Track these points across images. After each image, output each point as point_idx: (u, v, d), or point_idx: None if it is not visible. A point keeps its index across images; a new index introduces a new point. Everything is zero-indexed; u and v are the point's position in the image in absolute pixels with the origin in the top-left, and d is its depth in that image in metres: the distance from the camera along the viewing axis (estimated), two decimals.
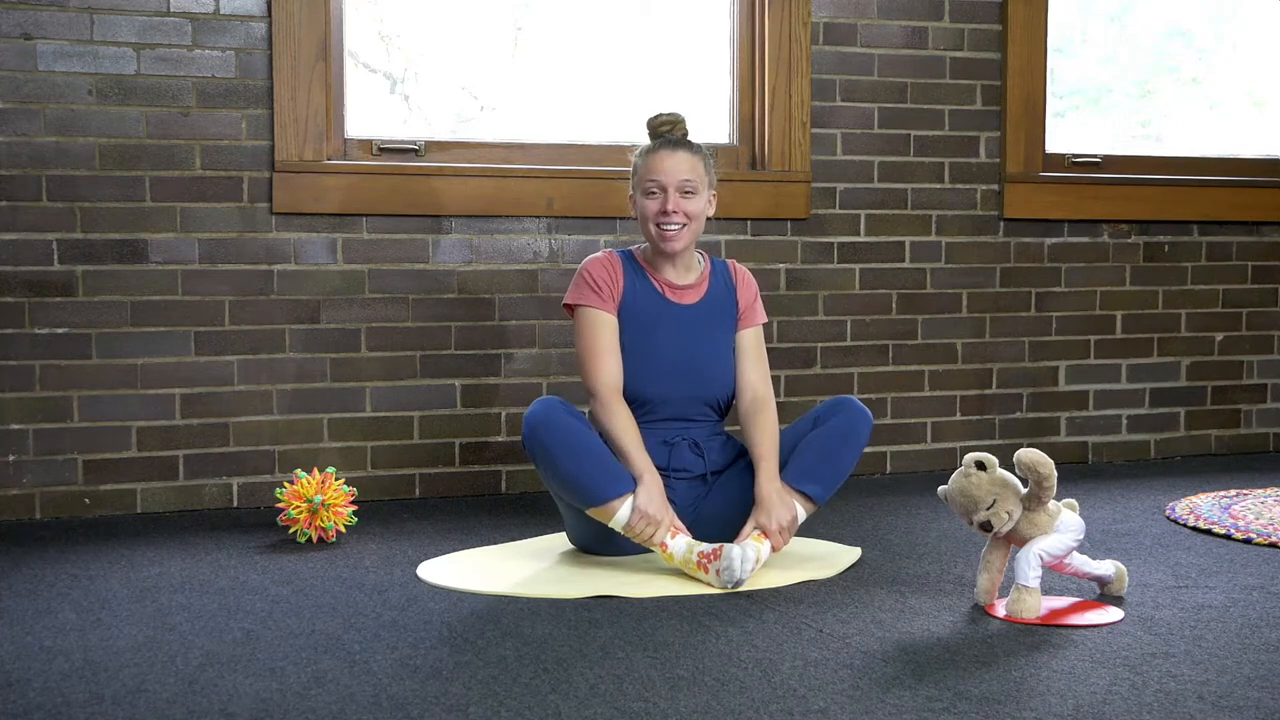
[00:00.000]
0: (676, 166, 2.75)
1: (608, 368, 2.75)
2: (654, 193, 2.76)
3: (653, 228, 2.78)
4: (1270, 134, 4.37)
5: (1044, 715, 1.84)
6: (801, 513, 2.72)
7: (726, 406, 2.87)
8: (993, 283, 3.92)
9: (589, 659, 2.10)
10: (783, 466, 2.75)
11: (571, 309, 2.82)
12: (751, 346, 2.88)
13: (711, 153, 2.88)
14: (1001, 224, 3.92)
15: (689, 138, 2.84)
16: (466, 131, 3.67)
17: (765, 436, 2.76)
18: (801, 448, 2.75)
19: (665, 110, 2.84)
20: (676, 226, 2.76)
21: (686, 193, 2.76)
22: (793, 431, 2.83)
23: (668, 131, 2.81)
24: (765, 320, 2.93)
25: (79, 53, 3.21)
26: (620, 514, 2.62)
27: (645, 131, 2.85)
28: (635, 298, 2.80)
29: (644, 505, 2.60)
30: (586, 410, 3.40)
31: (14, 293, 3.20)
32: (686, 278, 2.86)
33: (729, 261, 2.96)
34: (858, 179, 3.79)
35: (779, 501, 2.67)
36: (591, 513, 2.65)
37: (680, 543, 2.62)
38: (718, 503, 2.78)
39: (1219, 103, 4.40)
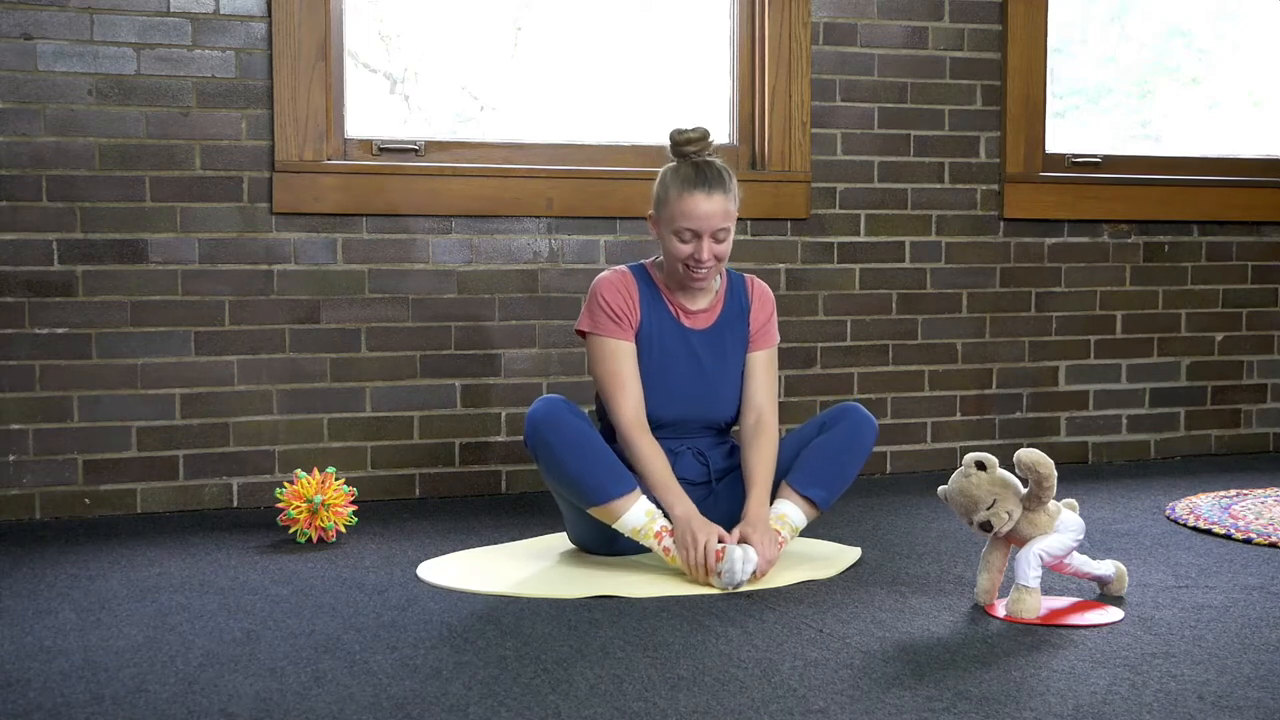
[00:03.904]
0: (712, 212, 2.64)
1: (631, 400, 2.70)
2: (686, 238, 2.67)
3: (680, 267, 2.70)
4: (1270, 134, 4.37)
5: (1044, 715, 1.84)
6: (804, 518, 2.72)
7: (732, 424, 2.86)
8: (993, 283, 3.92)
9: (589, 659, 2.10)
10: (787, 471, 2.74)
11: (586, 334, 2.77)
12: (761, 368, 2.82)
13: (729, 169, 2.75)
14: (1001, 224, 3.92)
15: (714, 159, 2.71)
16: (466, 131, 3.67)
17: (763, 462, 2.72)
18: (807, 453, 2.74)
19: (690, 126, 2.72)
20: (707, 270, 2.70)
21: (719, 238, 2.68)
22: (798, 436, 2.82)
23: (694, 152, 2.69)
24: (778, 341, 2.88)
25: (79, 53, 3.21)
26: (626, 516, 2.61)
27: (667, 145, 2.74)
28: (650, 325, 2.75)
29: (683, 534, 2.56)
30: (589, 409, 3.40)
31: (14, 293, 3.20)
32: (701, 301, 2.80)
33: (748, 278, 2.88)
34: (858, 179, 3.79)
35: (769, 538, 2.61)
36: (594, 512, 2.65)
37: None
38: (722, 508, 2.77)
39: (1219, 103, 4.40)
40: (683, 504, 2.61)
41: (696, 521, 2.57)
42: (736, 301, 2.83)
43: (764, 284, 2.89)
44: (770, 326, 2.86)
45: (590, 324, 2.75)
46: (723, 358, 2.79)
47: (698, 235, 2.66)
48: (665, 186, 2.70)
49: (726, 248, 2.70)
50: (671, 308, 2.78)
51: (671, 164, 2.73)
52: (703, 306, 2.80)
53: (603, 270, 3.56)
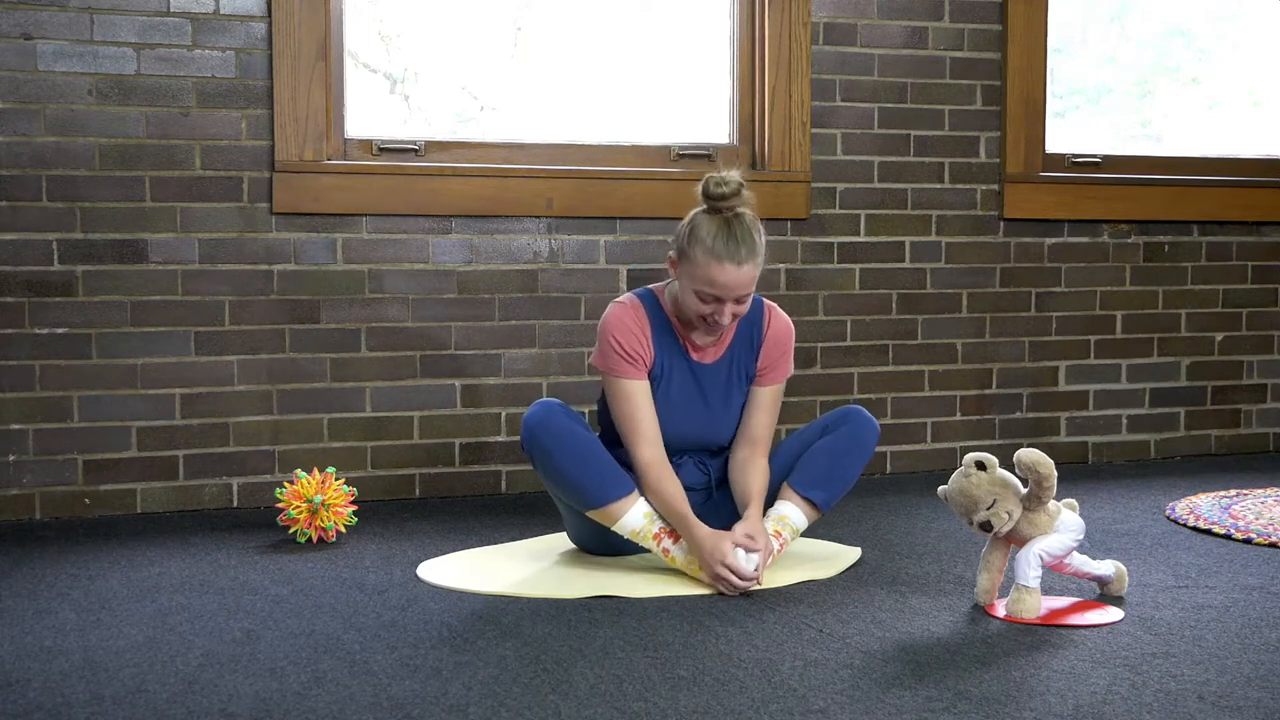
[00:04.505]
0: (740, 282, 2.54)
1: (648, 441, 2.65)
2: (708, 299, 2.57)
3: (697, 319, 2.62)
4: (1270, 134, 4.37)
5: (1044, 715, 1.84)
6: (805, 520, 2.72)
7: (729, 443, 2.82)
8: (993, 283, 3.92)
9: (589, 659, 2.10)
10: (788, 472, 2.74)
11: (600, 370, 2.71)
12: (765, 402, 2.76)
13: (761, 233, 2.59)
14: (1001, 224, 3.92)
15: (744, 214, 2.57)
16: (466, 131, 3.67)
17: (757, 481, 2.69)
18: (808, 455, 2.74)
19: (728, 177, 2.55)
20: (724, 327, 2.65)
21: (741, 299, 2.59)
22: (799, 438, 2.81)
23: (726, 207, 2.54)
24: (790, 374, 2.81)
25: (79, 53, 3.21)
26: (625, 519, 2.61)
27: (699, 190, 2.58)
28: (660, 360, 2.70)
29: (705, 567, 2.54)
30: (589, 409, 3.41)
31: (14, 293, 3.20)
32: (711, 337, 2.73)
33: (767, 309, 2.77)
34: (858, 179, 3.79)
35: (767, 542, 2.60)
36: (592, 515, 2.64)
37: (682, 548, 2.62)
38: (722, 514, 2.75)
39: (1219, 103, 4.40)
40: (691, 534, 2.58)
41: (709, 545, 2.53)
42: (748, 332, 2.74)
43: (784, 318, 2.79)
44: (781, 364, 2.77)
45: (603, 363, 2.68)
46: (726, 392, 2.75)
47: (720, 300, 2.58)
48: (693, 242, 2.56)
49: (747, 305, 2.62)
50: (681, 341, 2.71)
51: (701, 210, 2.59)
52: (711, 340, 2.73)
53: (601, 268, 3.57)
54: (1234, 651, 2.13)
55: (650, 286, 2.77)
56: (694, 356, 2.72)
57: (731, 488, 2.75)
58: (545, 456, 2.62)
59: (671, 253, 2.64)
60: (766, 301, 2.79)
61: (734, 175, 2.57)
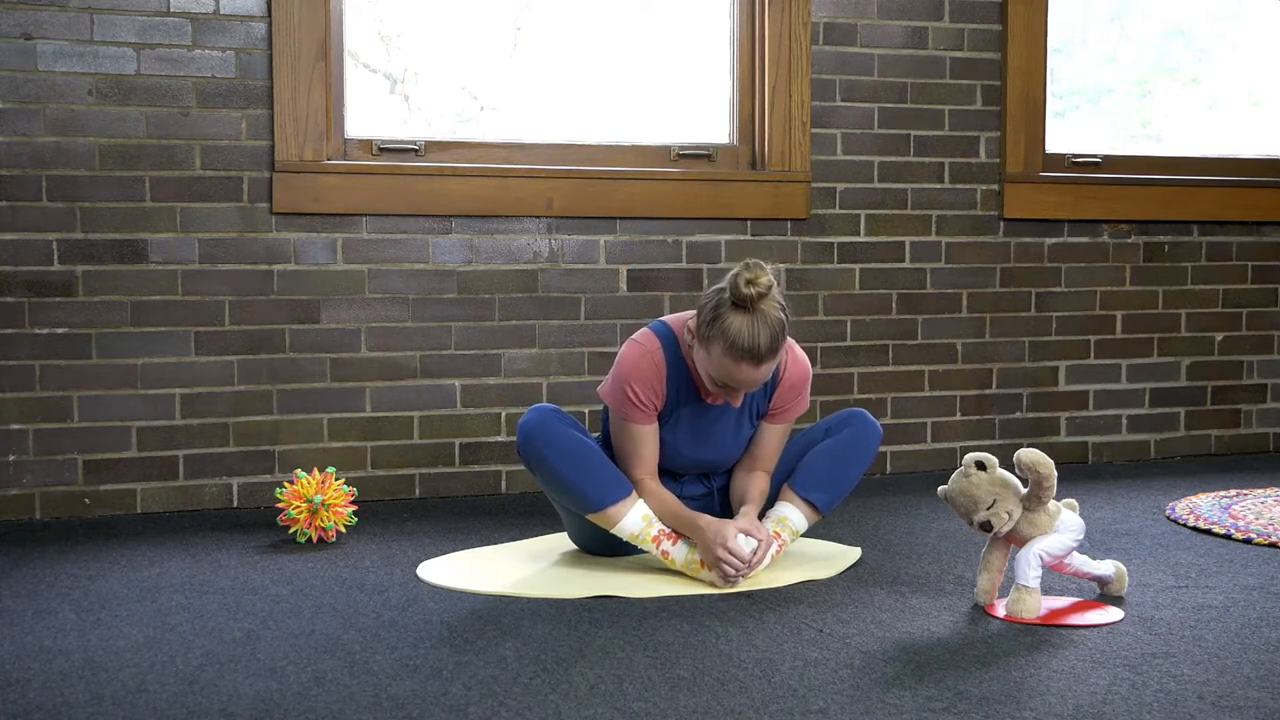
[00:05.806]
0: (757, 377, 2.50)
1: (647, 470, 2.67)
2: (722, 382, 2.53)
3: (709, 386, 2.58)
4: (1270, 134, 4.37)
5: (1044, 715, 1.84)
6: (805, 521, 2.72)
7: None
8: (993, 283, 3.92)
9: (589, 659, 2.10)
10: (790, 474, 2.74)
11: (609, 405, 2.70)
12: (774, 436, 2.74)
13: (785, 316, 2.52)
14: (1001, 224, 3.92)
15: (769, 310, 2.47)
16: (466, 131, 3.67)
17: (755, 490, 2.70)
18: (810, 457, 2.74)
19: (761, 274, 2.46)
20: (737, 404, 2.63)
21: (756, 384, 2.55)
22: (802, 440, 2.81)
23: (749, 299, 2.44)
24: (805, 411, 2.78)
25: (79, 53, 3.21)
26: (624, 522, 2.61)
27: (727, 283, 2.49)
28: (673, 402, 2.67)
29: (707, 558, 2.56)
30: (590, 410, 3.40)
31: (14, 293, 3.20)
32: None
33: (786, 349, 2.65)
34: (858, 179, 3.79)
35: (763, 529, 2.61)
36: (591, 518, 2.64)
37: (681, 549, 2.62)
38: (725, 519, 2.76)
39: (1219, 103, 4.40)
40: (694, 522, 2.59)
41: (712, 529, 2.55)
42: None
43: (801, 361, 2.72)
44: (795, 406, 2.73)
45: (615, 404, 2.65)
46: (737, 429, 2.73)
47: (735, 391, 2.57)
48: (715, 335, 2.48)
49: (761, 384, 2.58)
50: (695, 382, 2.66)
51: (725, 294, 2.48)
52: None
53: (601, 268, 3.57)
54: (1234, 651, 2.13)
55: (669, 322, 2.69)
56: (707, 398, 2.67)
57: (731, 498, 2.77)
58: (542, 463, 2.61)
59: (691, 324, 2.56)
60: (786, 341, 2.65)
61: (765, 276, 2.46)
